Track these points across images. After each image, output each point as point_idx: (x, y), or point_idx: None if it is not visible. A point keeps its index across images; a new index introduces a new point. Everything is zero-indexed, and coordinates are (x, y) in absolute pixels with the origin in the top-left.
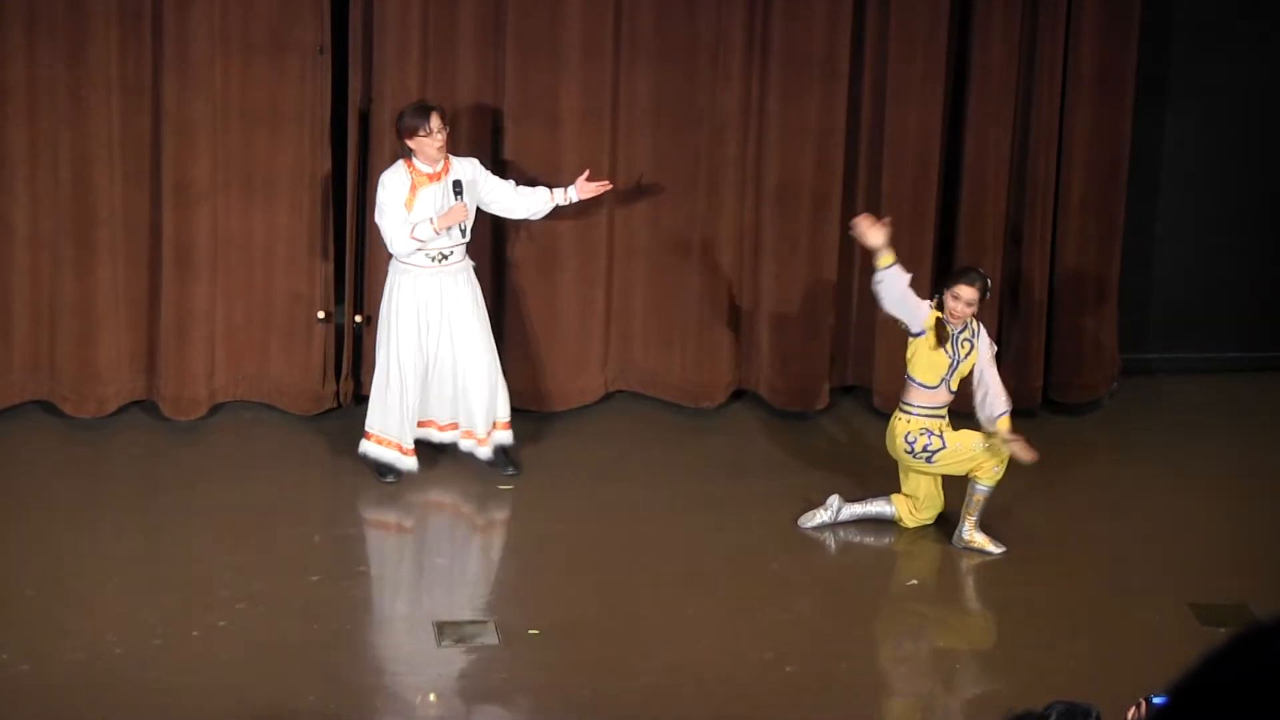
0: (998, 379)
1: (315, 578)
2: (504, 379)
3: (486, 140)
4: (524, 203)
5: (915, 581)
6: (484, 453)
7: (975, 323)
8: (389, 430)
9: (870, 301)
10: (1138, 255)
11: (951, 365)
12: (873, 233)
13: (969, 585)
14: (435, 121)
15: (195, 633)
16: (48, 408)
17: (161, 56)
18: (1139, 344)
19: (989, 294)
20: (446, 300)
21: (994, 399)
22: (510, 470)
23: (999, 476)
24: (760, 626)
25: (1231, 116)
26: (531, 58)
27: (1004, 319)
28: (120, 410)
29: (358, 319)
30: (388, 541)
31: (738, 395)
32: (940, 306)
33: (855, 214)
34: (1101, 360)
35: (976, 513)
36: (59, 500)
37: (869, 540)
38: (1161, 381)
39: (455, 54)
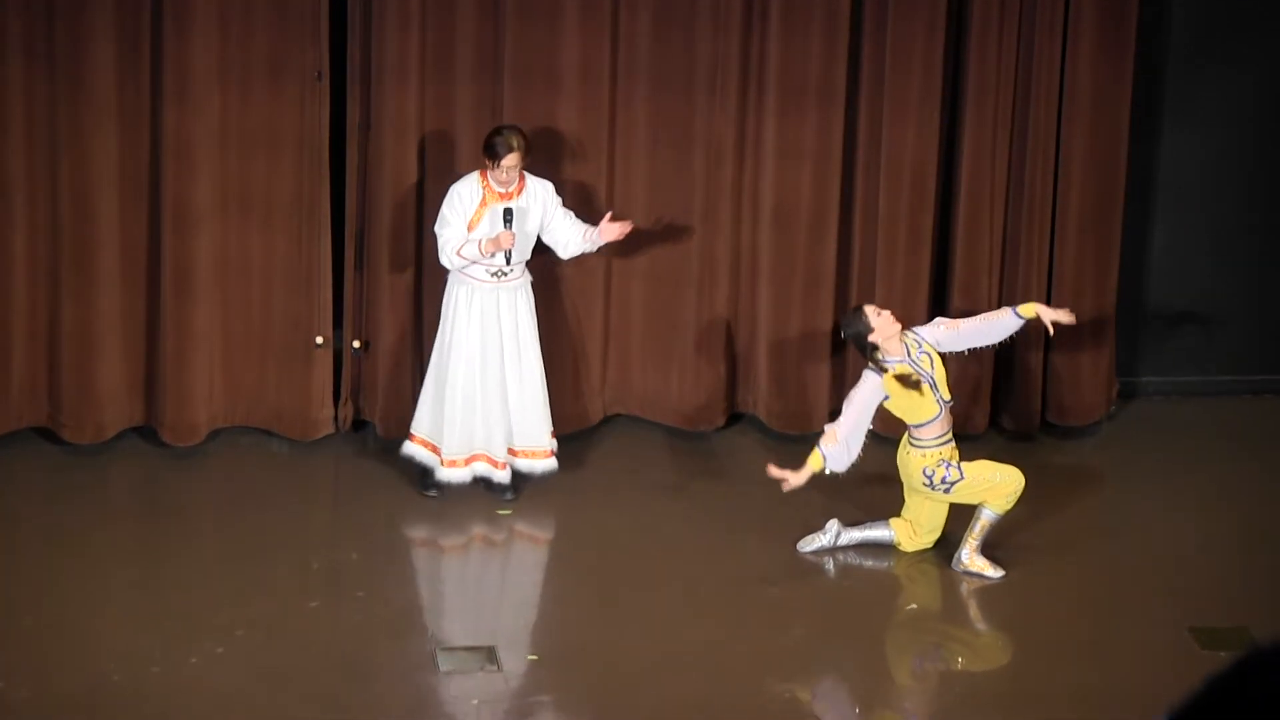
0: (969, 320)
1: (314, 603)
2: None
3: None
4: (561, 241)
5: (915, 606)
6: (501, 476)
7: (911, 335)
8: (443, 445)
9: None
10: (1135, 277)
11: (933, 387)
12: (795, 479)
13: (969, 610)
14: (509, 160)
15: (194, 660)
16: (46, 434)
17: (161, 82)
18: (1135, 367)
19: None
20: (504, 316)
21: (995, 324)
22: (509, 496)
23: (1008, 507)
24: (760, 651)
25: (1228, 137)
26: (529, 83)
27: (1002, 342)
28: (119, 436)
29: (356, 344)
30: (387, 567)
31: (736, 418)
32: (877, 362)
33: (853, 236)
34: (1099, 383)
35: (979, 538)
36: (57, 527)
37: (869, 564)
38: (1158, 404)
39: (453, 79)
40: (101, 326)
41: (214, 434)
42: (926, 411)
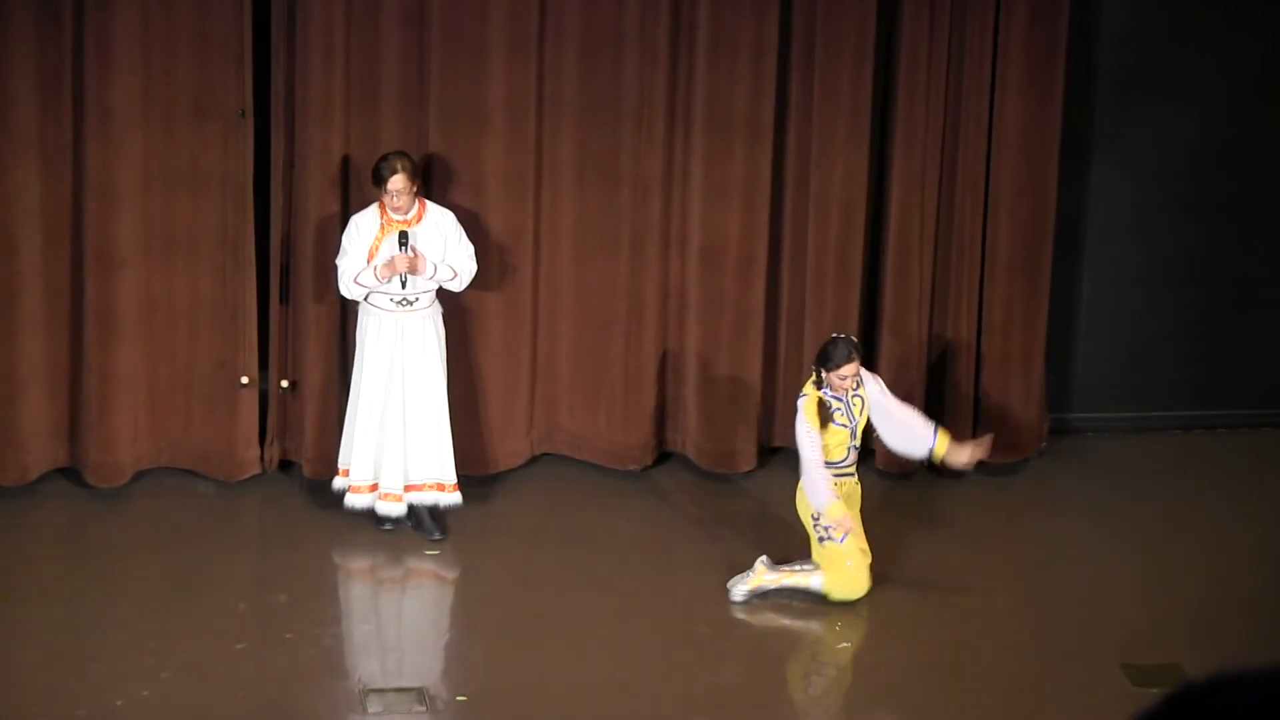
0: (902, 406)
1: (241, 646)
2: (450, 438)
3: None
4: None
5: (847, 645)
6: (398, 509)
7: (863, 378)
8: (354, 475)
9: (797, 361)
10: (1064, 313)
11: (852, 431)
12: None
13: (897, 649)
14: (394, 184)
15: (119, 702)
16: None
17: (83, 121)
18: (1066, 403)
19: (861, 355)
20: (409, 345)
21: (914, 432)
22: (437, 536)
23: (831, 596)
24: (690, 693)
25: (1158, 172)
26: (454, 119)
27: (931, 379)
28: (43, 477)
29: (284, 384)
30: (315, 608)
31: (664, 457)
32: (819, 383)
33: (781, 273)
34: (1030, 419)
35: (779, 585)
36: None
37: (798, 603)
38: (1089, 441)
39: (378, 115)
40: (24, 367)
41: (139, 475)
42: (834, 451)
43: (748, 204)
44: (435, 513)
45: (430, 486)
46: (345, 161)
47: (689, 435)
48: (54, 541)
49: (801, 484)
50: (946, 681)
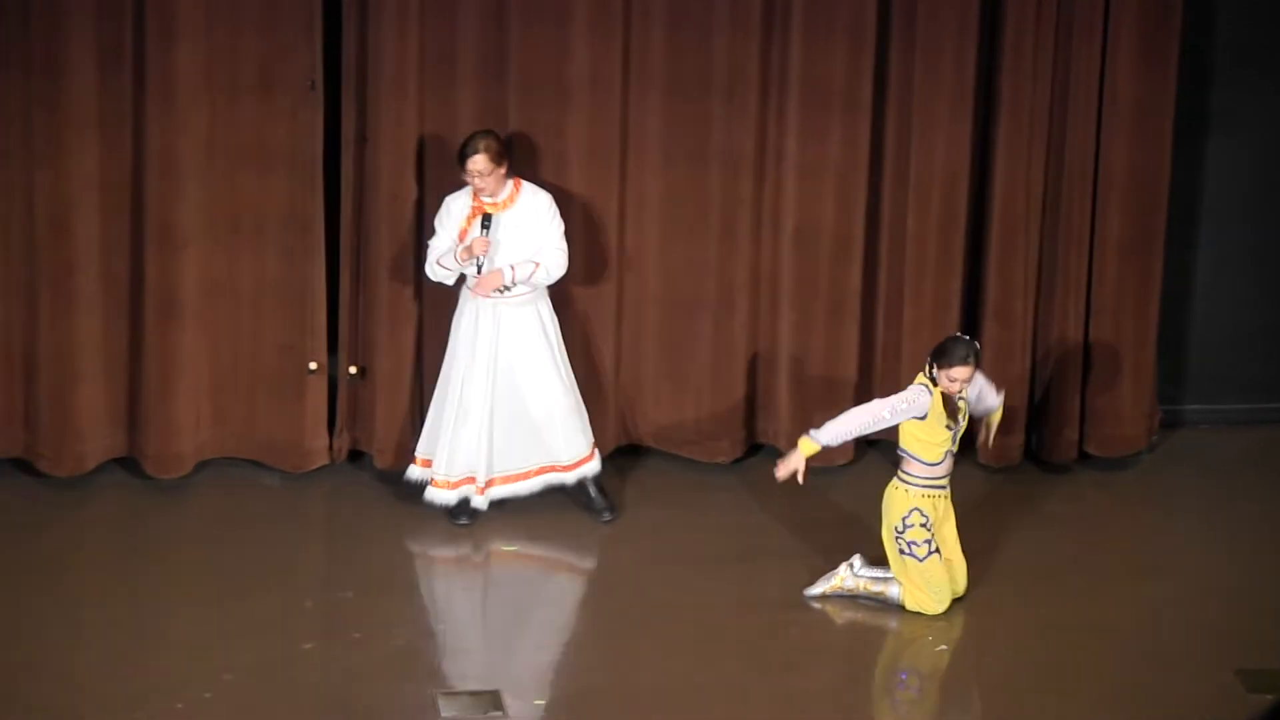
0: (992, 389)
1: (307, 645)
2: (585, 414)
3: None
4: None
5: (944, 648)
6: (568, 479)
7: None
8: (440, 469)
9: (895, 350)
10: (1178, 299)
11: (954, 436)
12: (788, 467)
13: (1000, 652)
14: (474, 165)
15: (180, 705)
16: (22, 465)
17: (144, 94)
18: (1179, 395)
19: (980, 360)
20: (506, 335)
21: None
22: (607, 516)
23: (908, 608)
24: (777, 695)
25: (1276, 152)
26: (535, 91)
27: (1036, 369)
28: (100, 468)
29: (352, 370)
30: (385, 606)
31: (755, 449)
32: (932, 379)
33: (879, 256)
34: (1140, 412)
35: (861, 592)
36: (35, 564)
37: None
38: (1203, 434)
39: (455, 87)
40: (81, 352)
41: (201, 466)
42: (930, 451)
43: (844, 183)
44: (603, 488)
45: (573, 465)
46: (420, 137)
47: (781, 427)
48: (111, 535)
49: (886, 493)
50: (1049, 687)
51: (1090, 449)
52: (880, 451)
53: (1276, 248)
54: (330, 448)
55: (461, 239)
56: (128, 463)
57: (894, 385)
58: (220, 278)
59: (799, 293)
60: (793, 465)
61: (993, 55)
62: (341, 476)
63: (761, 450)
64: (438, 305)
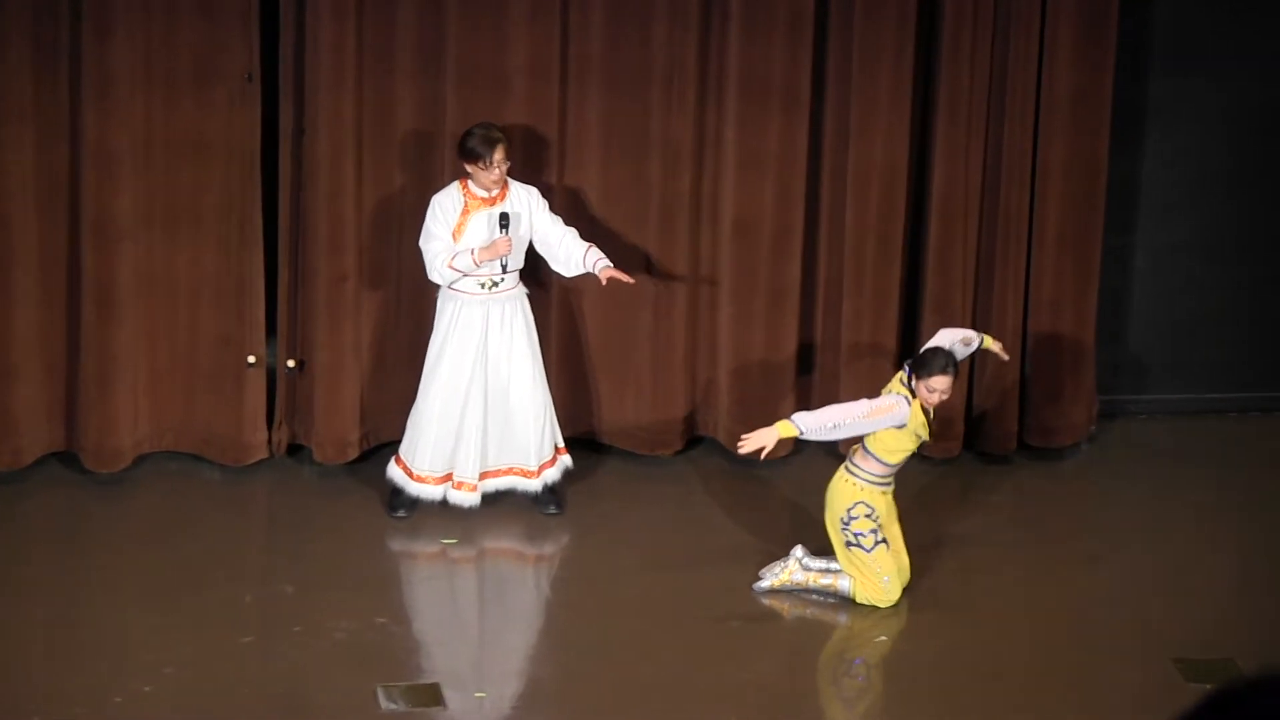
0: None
1: (248, 639)
2: (554, 411)
3: (427, 168)
4: (561, 255)
5: (884, 638)
6: (533, 485)
7: None
8: (414, 461)
9: (834, 342)
10: (1116, 291)
11: (921, 448)
12: (758, 441)
13: (940, 642)
14: (499, 155)
15: (118, 699)
16: None
17: (80, 87)
18: (1116, 385)
19: (957, 369)
20: (493, 330)
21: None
22: (552, 510)
23: (862, 603)
24: (719, 688)
25: (1214, 142)
26: (474, 84)
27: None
28: (38, 462)
29: (291, 363)
30: (324, 600)
31: (695, 442)
32: (911, 390)
33: (818, 249)
34: (1079, 403)
35: (809, 586)
36: None
37: (832, 597)
38: (1142, 424)
39: (393, 79)
40: (18, 346)
41: (140, 460)
42: (892, 454)
43: (783, 176)
44: (555, 486)
45: (546, 466)
46: (358, 129)
47: (721, 419)
48: (50, 530)
49: (832, 484)
50: (990, 677)
51: (1030, 440)
52: (819, 444)
53: (1215, 238)
54: (270, 441)
55: (456, 235)
56: (66, 457)
57: (834, 377)
58: (158, 271)
59: (738, 285)
60: (762, 440)
61: (931, 48)
62: (281, 470)
63: (702, 443)
64: (376, 297)
